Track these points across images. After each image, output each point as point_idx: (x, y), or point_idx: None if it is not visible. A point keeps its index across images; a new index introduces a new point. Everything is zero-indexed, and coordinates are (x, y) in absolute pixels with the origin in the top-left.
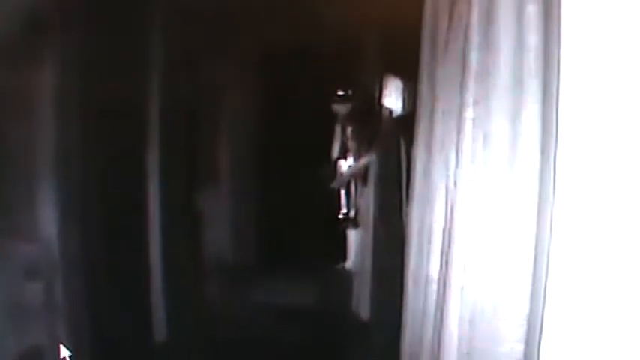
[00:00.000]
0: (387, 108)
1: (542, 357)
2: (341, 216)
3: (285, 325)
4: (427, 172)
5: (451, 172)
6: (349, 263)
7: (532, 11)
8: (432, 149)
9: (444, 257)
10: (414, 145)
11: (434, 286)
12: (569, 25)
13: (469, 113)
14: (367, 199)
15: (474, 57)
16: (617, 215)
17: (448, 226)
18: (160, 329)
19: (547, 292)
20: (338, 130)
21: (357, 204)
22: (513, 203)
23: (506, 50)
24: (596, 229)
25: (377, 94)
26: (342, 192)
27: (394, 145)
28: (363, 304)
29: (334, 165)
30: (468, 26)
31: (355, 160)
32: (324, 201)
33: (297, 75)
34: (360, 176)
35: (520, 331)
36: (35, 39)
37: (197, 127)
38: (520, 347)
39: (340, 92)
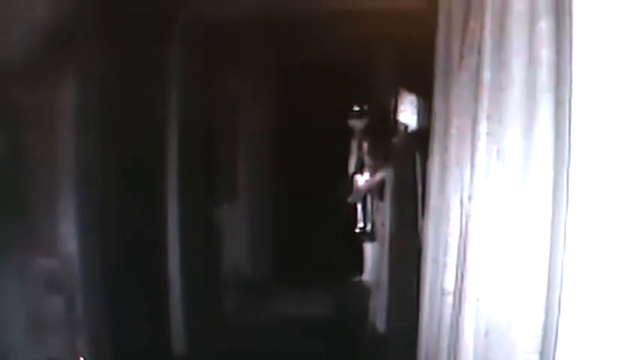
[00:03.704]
0: (402, 123)
1: None
2: (357, 230)
3: (302, 338)
4: (442, 186)
5: (465, 186)
6: (366, 276)
7: (544, 27)
8: (446, 163)
9: (459, 270)
10: (428, 160)
11: (449, 299)
12: (581, 40)
13: (483, 128)
14: (383, 213)
15: (487, 72)
16: (631, 228)
17: (463, 239)
18: (178, 343)
19: (562, 304)
20: (354, 145)
21: (373, 218)
22: (527, 216)
23: (518, 65)
24: (610, 241)
25: (392, 110)
26: (359, 206)
27: (409, 160)
28: (379, 316)
29: (350, 180)
30: (481, 42)
31: (371, 174)
32: (341, 215)
33: (314, 91)
34: (376, 190)
35: (535, 342)
36: (56, 55)
37: (215, 142)
38: (535, 358)
39: (356, 108)
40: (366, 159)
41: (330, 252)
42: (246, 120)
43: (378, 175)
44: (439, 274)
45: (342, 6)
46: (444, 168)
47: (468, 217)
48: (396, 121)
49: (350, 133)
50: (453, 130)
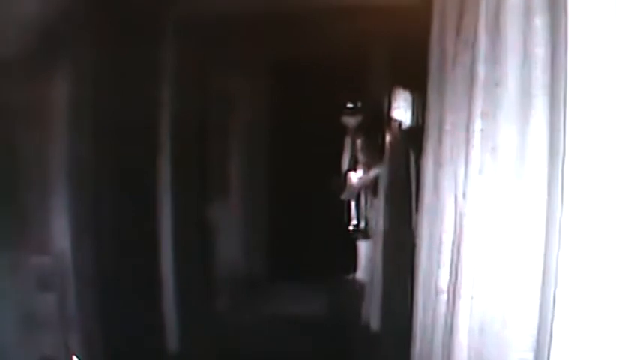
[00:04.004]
0: (396, 120)
1: None
2: (351, 227)
3: (295, 336)
4: (436, 184)
5: (460, 184)
6: (359, 274)
7: (539, 23)
8: (440, 161)
9: (453, 268)
10: (423, 157)
11: (443, 297)
12: (576, 37)
13: (477, 125)
14: (377, 210)
15: (481, 69)
16: (625, 225)
17: (457, 237)
18: (171, 340)
19: (556, 302)
20: (348, 142)
21: (367, 215)
22: (522, 214)
23: (513, 62)
24: (605, 238)
25: (386, 107)
26: (352, 203)
27: (403, 157)
28: (373, 314)
29: (344, 177)
30: (475, 39)
31: (365, 171)
32: (335, 212)
33: (307, 88)
34: (370, 188)
35: (530, 340)
36: (49, 52)
37: (208, 139)
38: (530, 356)
39: (350, 105)
40: (360, 156)
41: (323, 250)
42: (239, 117)
43: (372, 173)
44: (433, 272)
45: (336, 3)
46: (438, 165)
47: (462, 214)
48: (390, 118)
49: (343, 130)
50: (448, 127)
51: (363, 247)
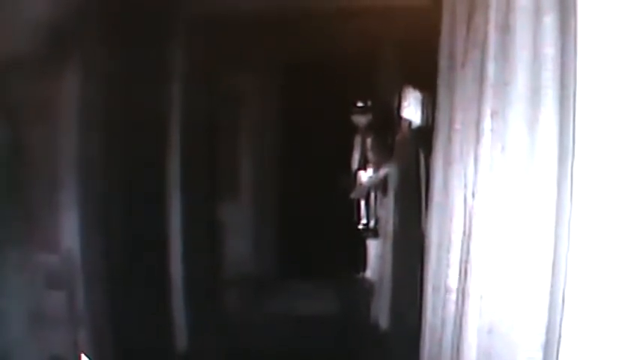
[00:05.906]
0: (405, 119)
1: None
2: (361, 226)
3: (304, 335)
4: (446, 183)
5: (469, 182)
6: (369, 273)
7: (548, 23)
8: (450, 160)
9: (462, 267)
10: (432, 156)
11: (453, 296)
12: (586, 36)
13: (487, 124)
14: (387, 209)
15: (491, 68)
16: (635, 224)
17: (467, 236)
18: (181, 339)
19: (565, 302)
20: (357, 141)
21: (377, 214)
22: (531, 213)
23: (523, 61)
24: (614, 237)
25: (396, 106)
26: (362, 202)
27: (413, 156)
28: (382, 313)
29: (354, 175)
30: (485, 38)
31: (375, 170)
32: (344, 211)
33: (318, 87)
34: (380, 187)
35: (539, 340)
36: (59, 50)
37: (218, 138)
38: (539, 356)
39: (360, 104)
40: (370, 155)
41: (333, 249)
42: (249, 116)
43: (382, 171)
44: (443, 271)
45: (346, 2)
46: (447, 164)
47: (471, 213)
48: (400, 117)
49: (353, 129)
50: (457, 126)
51: (372, 245)
